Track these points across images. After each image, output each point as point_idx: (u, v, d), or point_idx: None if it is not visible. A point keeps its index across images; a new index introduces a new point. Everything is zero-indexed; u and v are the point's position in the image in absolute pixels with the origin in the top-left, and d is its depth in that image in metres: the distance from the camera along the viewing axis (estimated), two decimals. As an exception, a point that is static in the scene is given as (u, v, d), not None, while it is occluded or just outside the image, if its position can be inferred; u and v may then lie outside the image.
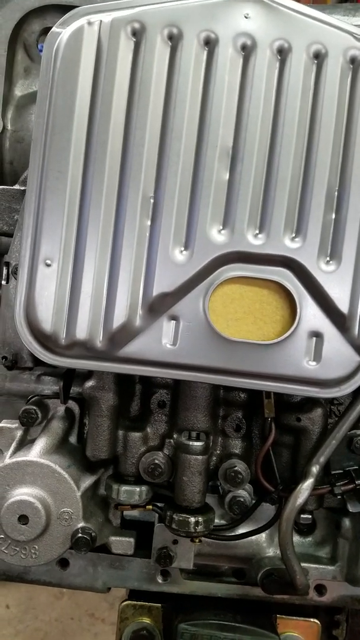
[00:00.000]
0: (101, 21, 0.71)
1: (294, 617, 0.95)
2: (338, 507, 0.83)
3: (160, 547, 0.85)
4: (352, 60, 0.71)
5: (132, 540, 0.86)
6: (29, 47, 0.97)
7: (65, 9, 0.85)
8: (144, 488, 0.81)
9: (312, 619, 0.95)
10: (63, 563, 0.90)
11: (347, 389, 0.73)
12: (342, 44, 0.71)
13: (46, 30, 0.93)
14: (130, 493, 0.80)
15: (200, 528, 0.76)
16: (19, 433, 0.82)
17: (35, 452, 0.77)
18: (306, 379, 0.73)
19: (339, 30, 0.72)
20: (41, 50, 0.94)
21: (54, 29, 0.72)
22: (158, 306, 0.72)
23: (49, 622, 2.35)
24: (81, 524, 0.76)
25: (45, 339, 0.72)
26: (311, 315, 0.73)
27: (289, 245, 0.72)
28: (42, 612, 2.37)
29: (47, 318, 0.71)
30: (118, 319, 0.71)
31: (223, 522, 0.88)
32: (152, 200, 0.72)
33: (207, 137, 0.71)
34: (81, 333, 0.72)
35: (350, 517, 0.83)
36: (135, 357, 0.72)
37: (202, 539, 0.85)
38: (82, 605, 2.50)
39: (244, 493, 0.83)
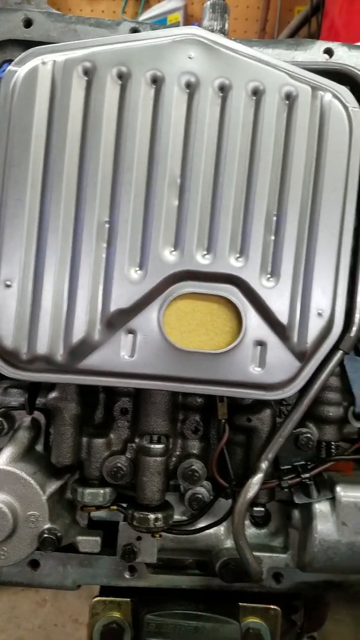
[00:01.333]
0: (55, 61, 0.77)
1: (255, 605, 1.02)
2: (288, 499, 0.90)
3: (125, 544, 0.91)
4: (287, 96, 0.79)
5: (98, 539, 0.92)
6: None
7: (24, 43, 0.91)
8: (107, 490, 0.87)
9: (272, 606, 1.03)
10: (34, 564, 0.95)
11: (290, 391, 0.81)
12: (277, 82, 0.79)
13: (6, 62, 0.98)
14: (95, 495, 0.86)
15: (159, 524, 0.83)
16: (-14, 444, 0.87)
17: (2, 461, 0.82)
18: (253, 384, 0.81)
19: (274, 68, 0.80)
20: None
21: (10, 67, 0.78)
22: (116, 321, 0.79)
23: (32, 629, 2.37)
24: (47, 525, 0.82)
25: (7, 355, 0.78)
26: (255, 326, 0.81)
27: (234, 264, 0.79)
28: (25, 620, 2.38)
29: (8, 335, 0.77)
30: (77, 333, 0.78)
31: (185, 518, 0.95)
32: (107, 225, 0.78)
33: (156, 167, 0.78)
34: (42, 348, 0.78)
35: (300, 508, 0.90)
36: (95, 369, 0.79)
37: (165, 534, 0.93)
38: (65, 611, 2.52)
39: (202, 490, 0.90)
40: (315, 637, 2.59)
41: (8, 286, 0.77)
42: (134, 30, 0.91)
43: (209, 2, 1.09)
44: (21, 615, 2.37)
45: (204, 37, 0.79)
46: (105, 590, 1.04)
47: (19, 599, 2.42)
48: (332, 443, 0.92)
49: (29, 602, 2.40)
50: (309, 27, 3.90)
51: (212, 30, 1.07)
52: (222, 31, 1.09)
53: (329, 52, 0.93)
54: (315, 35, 3.85)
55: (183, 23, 4.13)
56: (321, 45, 0.94)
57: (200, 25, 1.04)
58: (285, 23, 4.17)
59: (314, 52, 0.93)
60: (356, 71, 0.87)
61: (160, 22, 4.20)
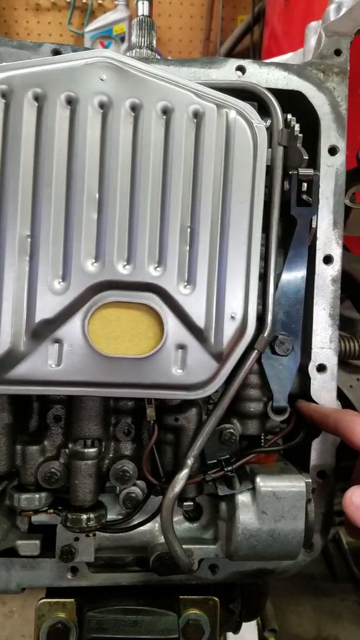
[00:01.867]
0: (-28, 84, 0.80)
1: (194, 597, 1.07)
2: (217, 493, 0.95)
3: (63, 545, 0.94)
4: (195, 115, 0.85)
5: (37, 542, 0.95)
6: None
7: None
8: (43, 494, 0.90)
9: (210, 597, 1.08)
10: (-24, 571, 0.97)
11: (210, 390, 0.87)
12: (185, 101, 0.84)
13: None
14: (30, 500, 0.89)
15: (92, 523, 0.87)
16: None
17: None
18: (176, 385, 0.86)
19: (182, 88, 0.85)
20: None
21: None
22: (41, 331, 0.83)
23: (-1, 641, 2.36)
24: (-15, 532, 0.85)
25: None
26: (176, 331, 0.86)
27: (153, 274, 0.84)
28: (-7, 632, 2.37)
29: None
30: (3, 345, 0.81)
31: (121, 517, 0.99)
32: (29, 239, 0.82)
33: (75, 183, 0.82)
34: (-31, 360, 0.81)
35: (226, 501, 0.95)
36: (23, 379, 0.82)
37: (102, 534, 0.97)
38: (32, 621, 2.52)
39: (136, 489, 0.95)
40: (276, 629, 2.65)
41: None
42: (56, 52, 0.95)
43: (136, 20, 1.15)
44: (-12, 628, 2.37)
45: (115, 59, 0.84)
46: (51, 592, 1.07)
47: (-16, 613, 2.41)
48: (262, 437, 0.97)
49: (-4, 614, 2.40)
50: (252, 36, 4.02)
51: (140, 47, 1.13)
52: (150, 47, 1.15)
53: (241, 69, 0.99)
54: (257, 43, 3.96)
55: (128, 33, 4.19)
56: (234, 63, 1.00)
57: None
58: (228, 32, 4.29)
59: (227, 70, 0.99)
60: (260, 88, 0.93)
61: (106, 33, 4.25)
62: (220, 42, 4.32)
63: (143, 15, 1.14)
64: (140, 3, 1.16)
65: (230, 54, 4.13)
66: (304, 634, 2.83)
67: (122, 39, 4.20)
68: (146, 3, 1.16)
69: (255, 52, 3.96)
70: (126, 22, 4.22)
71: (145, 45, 1.13)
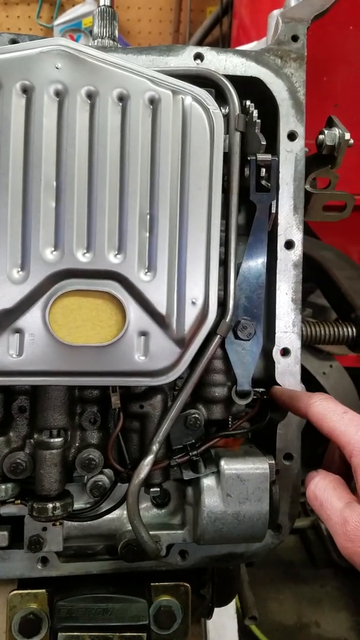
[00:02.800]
0: None
1: (165, 583, 1.07)
2: (182, 478, 0.96)
3: (31, 535, 0.94)
4: (151, 101, 0.85)
5: (5, 533, 0.95)
6: None
7: None
8: (9, 485, 0.90)
9: (181, 583, 1.09)
10: None
11: (173, 376, 0.87)
12: (140, 87, 0.84)
13: None
14: (-4, 491, 0.89)
15: (58, 512, 0.87)
16: None
17: None
18: (139, 372, 0.86)
19: (138, 75, 0.85)
20: None
21: None
22: (1, 322, 0.82)
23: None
24: None
25: None
26: (138, 318, 0.86)
27: (113, 261, 0.84)
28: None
29: None
30: None
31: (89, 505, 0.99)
32: (-15, 228, 0.81)
33: (31, 171, 0.82)
34: None
35: (192, 485, 0.96)
36: (-17, 370, 0.82)
37: (70, 523, 0.97)
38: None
39: (102, 477, 0.95)
40: (256, 617, 2.69)
41: None
42: (13, 42, 0.95)
43: (97, 9, 1.14)
44: None
45: (69, 47, 0.83)
46: (22, 584, 1.07)
47: None
48: (229, 422, 0.98)
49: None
50: (221, 27, 4.02)
51: (102, 37, 1.12)
52: (112, 37, 1.14)
53: (199, 56, 1.00)
54: (227, 35, 3.97)
55: (98, 26, 4.14)
56: (192, 50, 1.00)
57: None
58: (198, 23, 4.28)
59: (185, 58, 1.00)
60: (217, 75, 0.93)
61: (75, 26, 4.21)
62: (190, 33, 4.31)
63: (105, 5, 1.14)
64: (101, -8, 1.16)
65: (200, 45, 4.13)
66: (285, 620, 2.87)
67: (92, 32, 4.16)
68: (108, -7, 1.16)
69: (225, 43, 3.96)
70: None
71: (108, 35, 1.13)
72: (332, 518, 0.72)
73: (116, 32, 1.17)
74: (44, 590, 1.05)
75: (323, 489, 0.76)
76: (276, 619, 2.91)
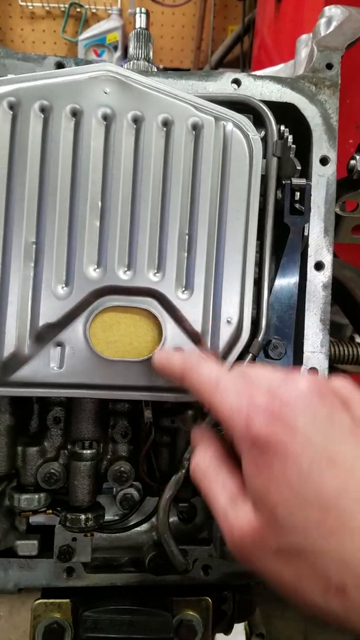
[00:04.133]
0: (-18, 96, 0.83)
1: (188, 598, 1.09)
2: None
3: (61, 545, 0.96)
4: (194, 127, 0.88)
5: (35, 542, 0.97)
6: None
7: None
8: (42, 495, 0.92)
9: (203, 597, 1.10)
10: (-26, 570, 0.99)
11: (206, 393, 0.89)
12: (185, 114, 0.87)
13: None
14: (30, 500, 0.91)
15: (90, 523, 0.89)
16: None
17: None
18: (173, 388, 0.88)
19: (182, 101, 0.88)
20: None
21: None
22: (44, 335, 0.85)
23: (-15, 646, 2.35)
24: (-14, 531, 0.87)
25: None
26: (174, 334, 0.88)
27: (152, 279, 0.87)
28: (-22, 638, 2.37)
29: None
30: (8, 348, 0.83)
31: (117, 517, 1.01)
32: (34, 246, 0.84)
33: (78, 191, 0.85)
34: (-25, 363, 0.83)
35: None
36: (26, 381, 0.84)
37: (98, 534, 0.99)
38: (19, 626, 2.51)
39: (132, 490, 0.97)
40: (263, 634, 2.67)
41: None
42: (59, 64, 0.98)
43: (133, 32, 1.18)
44: (-26, 634, 2.36)
45: (118, 73, 0.87)
46: (46, 593, 1.09)
47: (-29, 618, 2.40)
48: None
49: (-19, 619, 2.39)
50: (242, 45, 4.09)
51: (137, 59, 1.16)
52: (147, 59, 1.18)
53: (236, 82, 1.03)
54: (247, 53, 4.03)
55: (121, 42, 4.24)
56: (230, 76, 1.04)
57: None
58: (219, 41, 4.36)
59: (223, 83, 1.03)
60: (256, 101, 0.96)
61: (100, 41, 4.29)
62: (211, 51, 4.38)
63: (141, 27, 1.17)
64: (138, 16, 1.20)
65: (221, 63, 4.19)
66: (291, 638, 2.85)
67: (115, 48, 4.25)
68: (144, 16, 1.19)
69: (245, 62, 4.03)
70: (119, 30, 4.27)
71: (143, 57, 1.16)
72: (215, 511, 0.63)
73: (151, 54, 1.21)
74: (68, 600, 1.06)
75: (205, 467, 0.67)
76: (282, 637, 2.89)
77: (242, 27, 4.11)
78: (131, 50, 1.17)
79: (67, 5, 4.43)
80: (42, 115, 0.84)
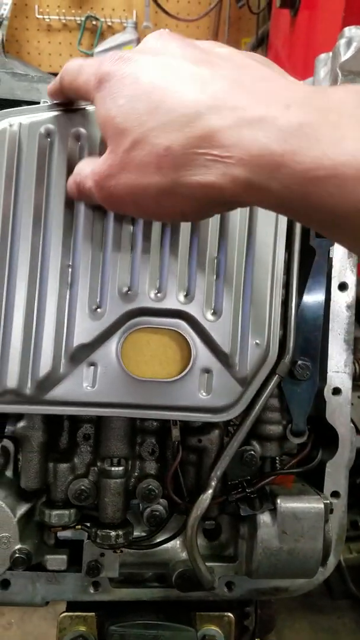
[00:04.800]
0: (20, 123, 0.86)
1: (210, 613, 1.10)
2: (236, 513, 0.99)
3: (90, 561, 0.98)
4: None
5: (64, 557, 0.99)
6: None
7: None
8: (72, 511, 0.94)
9: (226, 613, 1.11)
10: (4, 584, 1.01)
11: (233, 413, 0.91)
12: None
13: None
14: (61, 516, 0.93)
15: (120, 540, 0.91)
16: None
17: (-26, 487, 0.89)
18: (201, 408, 0.90)
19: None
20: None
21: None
22: (78, 355, 0.87)
23: (-3, 653, 2.38)
24: (18, 546, 0.89)
25: (-22, 390, 0.85)
26: (203, 356, 0.90)
27: (182, 302, 0.89)
28: (-10, 644, 2.39)
29: (-20, 372, 0.84)
30: (44, 368, 0.85)
31: (144, 534, 1.03)
32: (70, 269, 0.87)
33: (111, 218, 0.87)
34: (12, 382, 0.85)
35: (248, 521, 0.99)
36: (60, 400, 0.87)
37: (125, 550, 1.00)
38: (31, 632, 2.54)
39: (159, 507, 0.99)
40: (274, 646, 2.65)
41: (-23, 327, 0.84)
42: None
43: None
44: (-14, 640, 2.38)
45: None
46: (71, 606, 1.10)
47: (-17, 625, 2.43)
48: (277, 458, 1.02)
49: (-6, 626, 2.42)
50: (256, 60, 4.12)
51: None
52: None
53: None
54: (262, 67, 4.05)
55: (136, 55, 4.27)
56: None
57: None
58: (233, 55, 4.38)
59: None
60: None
61: (115, 54, 4.34)
62: (226, 64, 4.41)
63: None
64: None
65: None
66: (300, 649, 2.84)
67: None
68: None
69: (260, 76, 4.04)
70: (134, 43, 4.31)
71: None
72: (85, 183, 0.72)
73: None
74: (93, 614, 1.08)
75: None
76: (293, 647, 2.88)
77: (255, 40, 4.14)
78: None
79: (83, 18, 4.50)
80: (79, 143, 0.87)
